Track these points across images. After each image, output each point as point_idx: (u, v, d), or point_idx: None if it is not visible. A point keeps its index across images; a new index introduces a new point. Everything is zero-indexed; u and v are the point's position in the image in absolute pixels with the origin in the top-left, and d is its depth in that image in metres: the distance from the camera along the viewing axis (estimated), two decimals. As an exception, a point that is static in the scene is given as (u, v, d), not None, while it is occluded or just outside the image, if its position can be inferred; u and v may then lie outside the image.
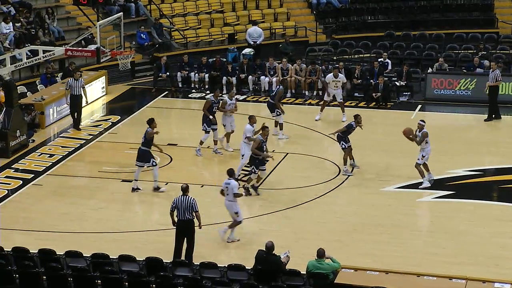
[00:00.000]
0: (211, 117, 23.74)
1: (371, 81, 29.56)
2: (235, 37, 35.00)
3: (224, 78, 30.65)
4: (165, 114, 28.79)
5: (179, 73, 31.08)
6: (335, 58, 32.51)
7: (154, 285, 15.21)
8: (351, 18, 36.98)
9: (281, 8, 37.01)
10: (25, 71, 29.93)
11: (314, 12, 37.18)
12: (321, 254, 15.50)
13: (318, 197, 21.25)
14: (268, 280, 15.12)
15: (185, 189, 17.50)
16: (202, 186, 21.82)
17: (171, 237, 17.61)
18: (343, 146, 22.41)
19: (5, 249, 16.43)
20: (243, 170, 22.06)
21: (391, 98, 29.29)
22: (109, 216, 20.21)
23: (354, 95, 29.79)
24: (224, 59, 32.04)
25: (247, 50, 32.83)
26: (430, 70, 30.50)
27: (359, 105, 28.94)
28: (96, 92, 29.61)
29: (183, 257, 17.13)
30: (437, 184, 21.79)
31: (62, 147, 24.98)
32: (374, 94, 28.97)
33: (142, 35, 33.49)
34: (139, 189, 21.44)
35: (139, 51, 32.99)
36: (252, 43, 33.71)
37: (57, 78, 29.50)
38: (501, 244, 18.70)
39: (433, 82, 29.72)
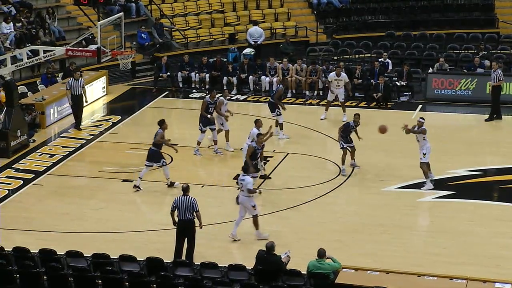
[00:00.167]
0: (209, 116, 23.77)
1: (372, 81, 29.56)
2: (236, 37, 35.00)
3: (225, 78, 30.65)
4: (166, 114, 28.77)
5: (179, 73, 31.08)
6: (335, 58, 32.51)
7: (154, 285, 15.21)
8: (351, 18, 36.98)
9: (282, 8, 37.01)
10: (26, 71, 29.94)
11: (315, 12, 37.18)
12: (321, 254, 15.50)
13: (319, 197, 21.25)
14: (269, 280, 15.12)
15: (185, 189, 17.51)
16: (202, 186, 21.81)
17: (172, 237, 17.61)
18: (341, 146, 22.42)
19: (5, 249, 16.43)
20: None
21: (391, 98, 29.29)
22: (109, 216, 20.21)
23: (354, 95, 29.78)
24: (225, 59, 32.05)
25: (247, 50, 32.85)
26: (430, 70, 30.50)
27: (359, 105, 28.94)
28: (96, 92, 29.62)
29: (183, 257, 17.13)
30: (437, 184, 21.78)
31: (63, 147, 24.99)
32: (374, 94, 28.97)
33: (142, 35, 33.50)
34: (140, 188, 21.44)
35: (139, 51, 32.99)
36: (253, 43, 33.72)
37: (57, 78, 29.51)
38: (502, 244, 18.69)
39: (434, 82, 29.72)
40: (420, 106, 28.97)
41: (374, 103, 28.97)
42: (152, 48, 33.44)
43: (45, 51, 26.73)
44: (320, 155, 24.01)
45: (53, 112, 27.03)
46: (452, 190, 21.63)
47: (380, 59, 30.91)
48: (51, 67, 29.65)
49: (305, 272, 15.50)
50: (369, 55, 32.96)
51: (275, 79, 29.97)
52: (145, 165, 21.59)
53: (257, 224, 18.66)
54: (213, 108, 23.91)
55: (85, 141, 25.52)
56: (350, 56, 33.10)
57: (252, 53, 32.70)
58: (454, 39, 34.37)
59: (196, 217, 17.31)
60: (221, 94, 25.16)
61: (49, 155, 24.22)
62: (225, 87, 29.45)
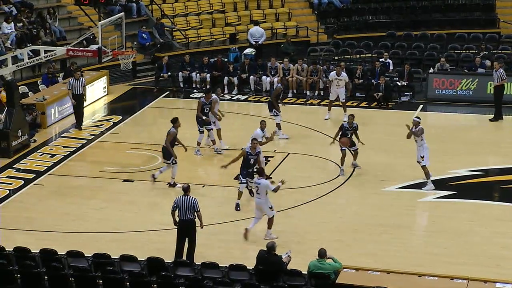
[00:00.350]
0: (204, 118, 23.80)
1: (373, 81, 29.56)
2: (237, 37, 35.02)
3: (226, 78, 30.66)
4: (166, 114, 28.79)
5: (180, 73, 31.09)
6: (336, 58, 32.51)
7: (155, 285, 15.20)
8: (352, 18, 36.98)
9: (283, 8, 37.02)
10: (27, 71, 29.95)
11: (316, 12, 37.20)
12: (322, 254, 15.50)
13: (320, 197, 21.26)
14: (270, 280, 15.12)
15: (186, 189, 17.51)
16: (203, 186, 21.82)
17: (172, 237, 17.61)
18: (341, 148, 22.44)
19: (6, 249, 16.42)
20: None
21: (392, 98, 29.29)
22: (110, 216, 20.21)
23: (355, 95, 29.79)
24: (226, 59, 32.05)
25: (248, 50, 32.86)
26: (431, 70, 30.49)
27: (360, 105, 28.96)
28: (97, 92, 29.63)
29: (184, 257, 17.13)
30: (438, 184, 21.78)
31: (64, 147, 25.00)
32: (375, 94, 28.97)
33: (143, 35, 33.52)
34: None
35: (140, 51, 33.01)
36: (254, 43, 33.73)
37: (58, 78, 29.53)
38: (503, 244, 18.69)
39: (435, 82, 29.71)
40: (421, 106, 28.96)
41: (375, 103, 28.97)
42: (153, 48, 33.45)
43: (46, 51, 26.73)
44: (321, 155, 24.01)
45: (54, 112, 27.04)
46: (453, 190, 21.63)
47: (381, 59, 30.91)
48: (52, 67, 29.65)
49: (306, 272, 15.50)
50: (370, 55, 32.95)
51: (276, 79, 29.98)
52: (164, 163, 21.69)
53: (271, 225, 18.67)
54: (208, 108, 23.94)
55: (86, 141, 25.53)
56: (351, 56, 33.10)
57: (253, 53, 32.71)
58: (455, 39, 34.37)
59: (197, 217, 17.32)
60: (214, 94, 25.11)
61: (50, 155, 24.23)
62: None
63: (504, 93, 27.85)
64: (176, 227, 17.45)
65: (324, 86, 29.58)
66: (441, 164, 22.75)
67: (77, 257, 16.01)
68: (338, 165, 22.83)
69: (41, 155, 24.24)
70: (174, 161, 21.57)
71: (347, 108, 27.18)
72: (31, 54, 27.77)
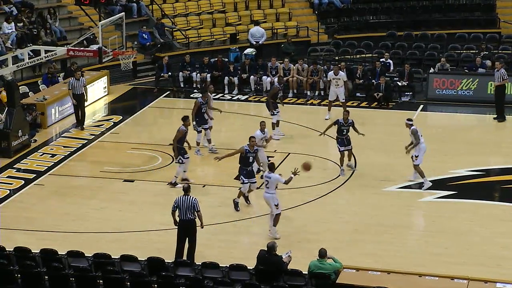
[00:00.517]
0: (205, 116, 23.84)
1: (373, 81, 29.55)
2: (237, 37, 35.02)
3: (226, 78, 30.65)
4: (167, 114, 28.82)
5: (181, 73, 31.08)
6: (337, 58, 32.51)
7: (155, 285, 15.21)
8: (353, 18, 36.97)
9: (283, 8, 37.01)
10: (27, 71, 29.95)
11: (316, 12, 37.18)
12: (323, 254, 15.49)
13: (320, 197, 21.25)
14: (270, 280, 15.12)
15: (186, 189, 17.51)
16: (203, 186, 21.82)
17: (173, 237, 17.61)
18: (339, 149, 22.46)
19: (6, 249, 16.43)
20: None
21: (393, 98, 29.28)
22: (110, 216, 20.21)
23: (356, 95, 29.78)
24: (226, 59, 32.03)
25: (249, 50, 32.85)
26: (432, 70, 30.49)
27: (361, 105, 28.95)
28: (98, 92, 29.63)
29: (185, 257, 17.13)
30: (439, 184, 21.78)
31: (64, 147, 24.99)
32: (376, 94, 28.96)
33: (144, 35, 33.51)
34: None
35: (141, 51, 33.00)
36: (254, 43, 33.72)
37: (58, 78, 29.52)
38: (503, 244, 18.69)
39: (435, 82, 29.70)
40: (421, 106, 28.95)
41: (375, 103, 28.96)
42: (153, 48, 33.45)
43: (46, 51, 26.73)
44: (321, 155, 24.00)
45: (55, 112, 27.03)
46: (453, 190, 21.63)
47: (381, 59, 30.89)
48: (52, 67, 29.66)
49: (306, 272, 15.50)
50: (370, 55, 32.94)
51: (276, 79, 29.95)
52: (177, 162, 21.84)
53: (277, 222, 18.69)
54: (205, 108, 23.97)
55: (86, 141, 25.53)
56: (351, 56, 33.09)
57: (254, 53, 32.70)
58: (456, 39, 34.35)
59: (197, 217, 17.32)
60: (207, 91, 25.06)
61: (51, 155, 24.23)
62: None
63: (506, 93, 27.87)
64: (177, 227, 17.46)
65: (325, 86, 29.57)
66: (441, 164, 22.75)
67: (77, 257, 16.01)
68: (338, 165, 22.84)
69: (41, 155, 24.25)
70: (181, 160, 21.55)
71: (347, 108, 27.13)
72: (31, 54, 27.73)
